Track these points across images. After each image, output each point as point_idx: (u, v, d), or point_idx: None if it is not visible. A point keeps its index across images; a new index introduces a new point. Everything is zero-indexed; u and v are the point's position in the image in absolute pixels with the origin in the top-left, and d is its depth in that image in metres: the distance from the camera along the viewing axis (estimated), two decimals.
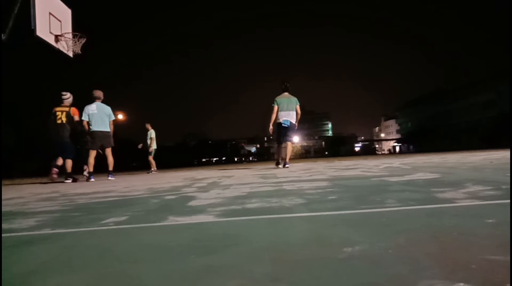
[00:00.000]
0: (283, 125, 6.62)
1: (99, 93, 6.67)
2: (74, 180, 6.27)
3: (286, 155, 6.71)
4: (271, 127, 6.80)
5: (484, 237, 0.87)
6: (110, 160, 6.67)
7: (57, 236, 1.27)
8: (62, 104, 6.64)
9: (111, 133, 6.68)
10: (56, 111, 6.54)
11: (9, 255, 1.01)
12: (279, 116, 6.66)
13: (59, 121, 6.51)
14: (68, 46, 6.44)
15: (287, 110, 6.65)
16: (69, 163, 6.51)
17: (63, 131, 6.49)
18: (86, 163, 6.65)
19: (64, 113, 6.53)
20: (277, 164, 6.97)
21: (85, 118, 6.51)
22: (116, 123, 7.11)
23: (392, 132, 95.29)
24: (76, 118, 6.62)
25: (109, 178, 6.43)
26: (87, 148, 6.54)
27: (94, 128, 6.46)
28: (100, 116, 6.51)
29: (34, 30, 5.54)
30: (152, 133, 11.20)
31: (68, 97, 6.71)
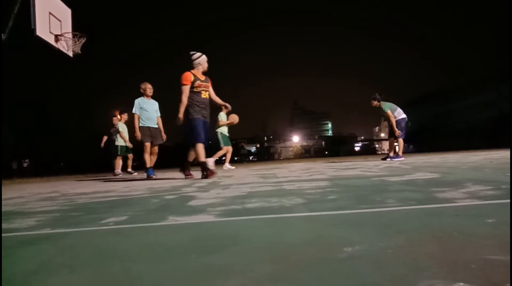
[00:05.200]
0: (407, 121, 7.89)
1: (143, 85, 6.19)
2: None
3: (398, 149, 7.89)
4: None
5: (484, 237, 0.87)
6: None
7: (57, 236, 1.27)
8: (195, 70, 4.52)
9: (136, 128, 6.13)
10: (196, 80, 4.40)
11: (9, 255, 1.01)
12: (402, 113, 7.76)
13: (205, 96, 4.51)
14: (68, 46, 6.43)
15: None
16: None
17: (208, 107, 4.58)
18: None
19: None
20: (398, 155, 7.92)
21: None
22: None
23: None
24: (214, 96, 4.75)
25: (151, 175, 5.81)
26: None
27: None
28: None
29: (34, 30, 5.53)
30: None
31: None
